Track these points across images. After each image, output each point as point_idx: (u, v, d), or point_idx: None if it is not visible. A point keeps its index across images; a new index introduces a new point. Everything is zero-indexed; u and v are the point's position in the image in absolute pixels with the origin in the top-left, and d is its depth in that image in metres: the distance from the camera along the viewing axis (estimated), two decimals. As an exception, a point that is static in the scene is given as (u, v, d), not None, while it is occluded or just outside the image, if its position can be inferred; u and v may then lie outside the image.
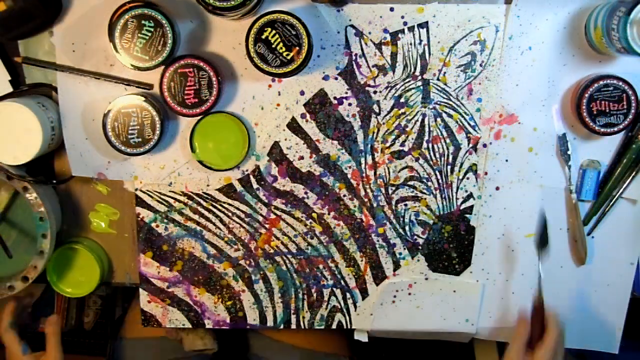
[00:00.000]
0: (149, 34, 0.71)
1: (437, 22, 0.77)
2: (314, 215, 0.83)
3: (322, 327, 0.86)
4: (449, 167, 0.81)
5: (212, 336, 0.93)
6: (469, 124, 0.80)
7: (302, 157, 0.81)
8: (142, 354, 0.95)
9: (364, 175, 0.82)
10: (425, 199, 0.82)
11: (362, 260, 0.84)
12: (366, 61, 0.78)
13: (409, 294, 0.85)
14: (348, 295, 0.85)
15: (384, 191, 0.82)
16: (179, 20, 0.75)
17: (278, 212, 0.83)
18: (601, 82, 0.75)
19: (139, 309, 0.86)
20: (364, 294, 0.85)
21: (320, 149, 0.81)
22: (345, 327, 0.87)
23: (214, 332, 0.93)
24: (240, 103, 0.80)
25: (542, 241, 0.80)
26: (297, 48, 0.72)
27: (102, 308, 1.47)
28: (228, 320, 0.86)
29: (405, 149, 0.81)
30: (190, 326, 0.86)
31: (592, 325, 0.86)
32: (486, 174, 0.82)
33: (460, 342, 0.91)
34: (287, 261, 0.85)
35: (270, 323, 0.86)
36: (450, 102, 0.79)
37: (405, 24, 0.77)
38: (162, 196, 0.82)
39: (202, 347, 0.91)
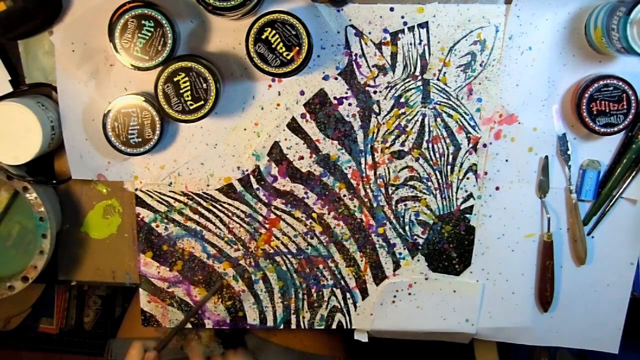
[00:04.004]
0: (149, 34, 0.71)
1: (437, 22, 0.77)
2: (314, 215, 0.83)
3: (322, 327, 0.86)
4: (449, 167, 0.81)
5: (217, 342, 0.92)
6: (469, 124, 0.80)
7: (302, 157, 0.81)
8: None
9: (364, 175, 0.82)
10: (425, 199, 0.82)
11: (362, 260, 0.84)
12: (366, 61, 0.78)
13: (409, 294, 0.85)
14: (348, 295, 0.85)
15: (384, 191, 0.82)
16: (179, 20, 0.75)
17: (278, 212, 0.83)
18: (601, 82, 0.74)
19: (137, 309, 0.86)
20: (364, 294, 0.85)
21: (320, 149, 0.81)
22: (345, 327, 0.87)
23: (216, 335, 0.93)
24: (240, 103, 0.80)
25: None
26: (297, 48, 0.72)
27: (102, 308, 1.47)
28: (228, 321, 0.86)
29: (405, 149, 0.81)
30: (190, 326, 0.86)
31: (592, 325, 0.86)
32: (486, 174, 0.82)
33: (460, 342, 0.91)
34: (287, 261, 0.85)
35: (270, 323, 0.86)
36: (450, 102, 0.79)
37: (405, 24, 0.77)
38: (162, 196, 0.82)
39: (209, 355, 0.90)
